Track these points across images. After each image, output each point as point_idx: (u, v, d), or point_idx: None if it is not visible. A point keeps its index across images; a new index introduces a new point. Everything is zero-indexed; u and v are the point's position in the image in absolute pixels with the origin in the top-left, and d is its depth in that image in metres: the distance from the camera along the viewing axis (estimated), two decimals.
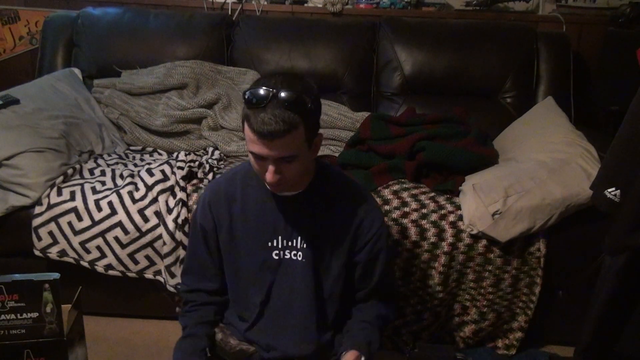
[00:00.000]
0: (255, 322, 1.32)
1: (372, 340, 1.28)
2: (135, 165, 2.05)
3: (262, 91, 1.06)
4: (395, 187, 1.82)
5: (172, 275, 1.80)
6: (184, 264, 1.42)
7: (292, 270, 1.27)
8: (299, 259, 1.26)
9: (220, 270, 1.34)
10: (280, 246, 1.26)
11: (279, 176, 1.12)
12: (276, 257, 1.27)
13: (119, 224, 1.77)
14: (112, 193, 1.80)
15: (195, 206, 1.78)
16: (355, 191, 1.30)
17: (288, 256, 1.26)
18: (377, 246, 1.28)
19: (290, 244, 1.26)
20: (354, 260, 1.29)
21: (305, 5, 2.72)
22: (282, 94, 1.05)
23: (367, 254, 1.28)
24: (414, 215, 1.73)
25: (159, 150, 2.25)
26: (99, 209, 1.77)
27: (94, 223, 1.77)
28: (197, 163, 1.99)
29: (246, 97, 1.08)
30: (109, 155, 2.14)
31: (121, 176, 1.92)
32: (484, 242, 1.71)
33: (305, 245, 1.25)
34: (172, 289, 1.81)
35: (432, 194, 1.80)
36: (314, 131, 1.15)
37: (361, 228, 1.26)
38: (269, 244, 1.26)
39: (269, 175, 1.11)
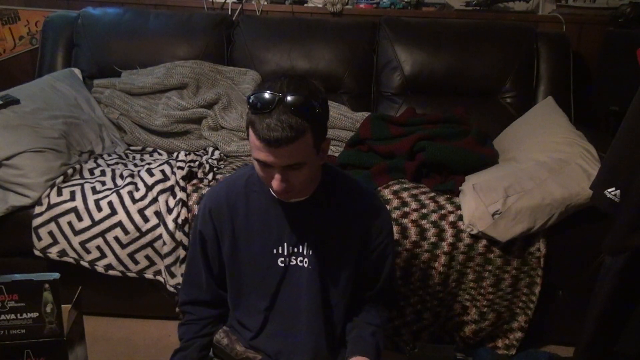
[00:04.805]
0: (260, 330, 1.30)
1: (380, 346, 1.27)
2: (135, 165, 2.05)
3: (267, 95, 1.01)
4: (395, 187, 1.82)
5: (172, 275, 1.80)
6: (183, 276, 1.40)
7: (299, 277, 1.24)
8: (305, 265, 1.23)
9: (215, 281, 1.32)
10: (285, 253, 1.23)
11: (286, 184, 1.08)
12: (282, 265, 1.24)
13: (119, 224, 1.77)
14: (112, 193, 1.80)
15: (195, 207, 1.80)
16: (363, 195, 1.26)
17: (294, 263, 1.24)
18: (386, 251, 1.26)
19: (296, 250, 1.23)
20: (362, 264, 1.26)
21: (305, 5, 2.72)
22: (289, 98, 1.00)
23: (376, 258, 1.26)
24: (414, 215, 1.73)
25: (159, 150, 2.25)
26: (99, 209, 1.77)
27: (94, 223, 1.77)
28: (197, 163, 1.99)
29: (251, 101, 1.02)
30: (109, 155, 2.14)
31: (121, 176, 1.92)
32: (484, 242, 1.71)
33: (311, 252, 1.22)
34: (172, 289, 1.81)
35: (432, 194, 1.80)
36: (322, 136, 1.10)
37: (370, 233, 1.23)
38: (274, 250, 1.23)
39: (276, 184, 1.07)
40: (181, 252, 1.78)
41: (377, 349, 1.25)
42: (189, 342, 1.30)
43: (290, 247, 1.23)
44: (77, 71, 2.43)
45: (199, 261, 1.30)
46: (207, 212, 1.26)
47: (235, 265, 1.27)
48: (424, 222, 1.73)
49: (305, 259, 1.23)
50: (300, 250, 1.23)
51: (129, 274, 1.82)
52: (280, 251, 1.24)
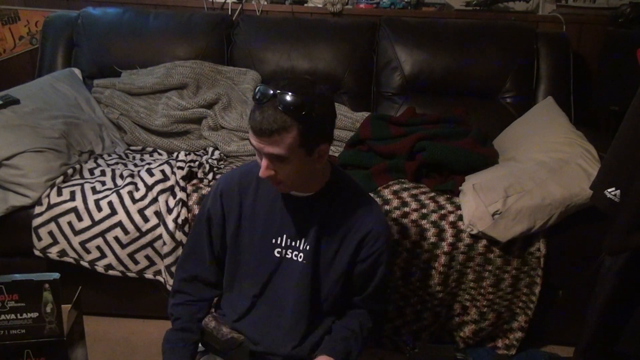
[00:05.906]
0: (245, 315, 1.33)
1: (352, 351, 1.29)
2: (135, 165, 2.05)
3: (265, 89, 1.10)
4: (395, 187, 1.82)
5: (172, 275, 1.79)
6: (182, 253, 1.43)
7: (291, 270, 1.28)
8: (300, 260, 1.27)
9: (217, 262, 1.35)
10: (283, 245, 1.28)
11: (271, 173, 1.15)
12: (277, 255, 1.28)
13: (119, 224, 1.77)
14: (112, 193, 1.80)
15: (195, 207, 1.80)
16: (366, 202, 1.31)
17: (289, 256, 1.28)
18: (379, 261, 1.28)
19: (293, 244, 1.27)
20: (354, 269, 1.29)
21: (305, 5, 2.72)
22: (283, 96, 1.08)
23: (368, 266, 1.28)
24: (414, 215, 1.73)
25: (159, 150, 2.25)
26: (99, 209, 1.77)
27: (94, 223, 1.77)
28: (197, 163, 1.99)
29: (254, 90, 1.11)
30: (109, 155, 2.14)
31: (121, 176, 1.92)
32: (484, 242, 1.71)
33: (307, 248, 1.26)
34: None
35: (432, 194, 1.80)
36: (315, 139, 1.14)
37: (366, 240, 1.26)
38: (273, 240, 1.28)
39: (261, 170, 1.15)
40: (181, 252, 1.78)
41: (345, 352, 1.28)
42: (187, 323, 1.32)
43: (289, 240, 1.27)
44: (77, 71, 2.43)
45: (204, 238, 1.34)
46: (218, 193, 1.32)
47: (235, 248, 1.31)
48: (424, 222, 1.73)
49: (301, 254, 1.27)
50: (298, 245, 1.27)
51: (129, 274, 1.82)
52: (278, 242, 1.28)
